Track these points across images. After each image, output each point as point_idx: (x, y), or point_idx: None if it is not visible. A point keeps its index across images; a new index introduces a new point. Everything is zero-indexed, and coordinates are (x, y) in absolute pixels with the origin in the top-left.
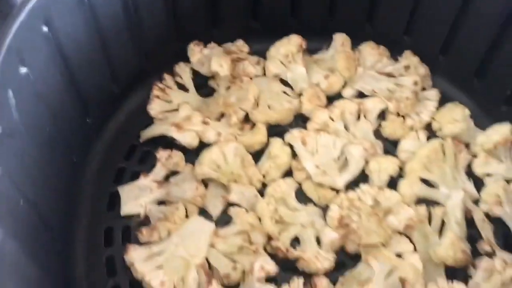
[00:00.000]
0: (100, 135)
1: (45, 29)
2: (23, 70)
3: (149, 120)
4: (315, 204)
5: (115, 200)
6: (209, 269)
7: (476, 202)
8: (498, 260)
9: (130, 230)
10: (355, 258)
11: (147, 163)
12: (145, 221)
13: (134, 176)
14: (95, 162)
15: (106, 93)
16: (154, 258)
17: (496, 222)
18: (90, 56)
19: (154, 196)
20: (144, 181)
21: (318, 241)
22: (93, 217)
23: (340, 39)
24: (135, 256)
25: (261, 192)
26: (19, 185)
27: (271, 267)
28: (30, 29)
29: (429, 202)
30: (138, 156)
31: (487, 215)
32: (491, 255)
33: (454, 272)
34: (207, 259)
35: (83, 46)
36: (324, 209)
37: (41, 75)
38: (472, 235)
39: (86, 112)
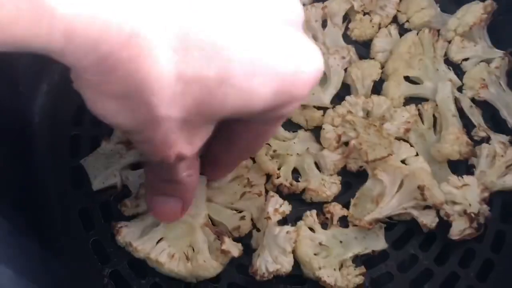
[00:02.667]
0: (37, 104)
1: None
2: None
3: None
4: (304, 129)
5: (80, 177)
6: (215, 226)
7: (459, 89)
8: (497, 144)
9: (110, 206)
10: (359, 175)
11: (104, 124)
12: (125, 191)
13: (94, 144)
14: (42, 138)
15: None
16: (151, 231)
17: (481, 105)
18: None
19: (125, 161)
20: (108, 146)
21: (318, 167)
22: (61, 202)
23: None
24: (129, 234)
25: None
26: None
27: (285, 207)
28: None
29: (415, 100)
30: (89, 119)
31: (472, 100)
32: (486, 140)
33: (456, 167)
34: (210, 217)
35: None
36: (314, 131)
37: None
38: (464, 124)
39: (16, 81)
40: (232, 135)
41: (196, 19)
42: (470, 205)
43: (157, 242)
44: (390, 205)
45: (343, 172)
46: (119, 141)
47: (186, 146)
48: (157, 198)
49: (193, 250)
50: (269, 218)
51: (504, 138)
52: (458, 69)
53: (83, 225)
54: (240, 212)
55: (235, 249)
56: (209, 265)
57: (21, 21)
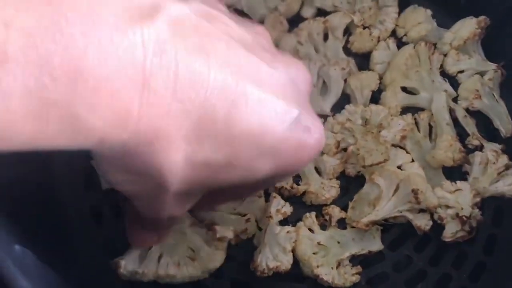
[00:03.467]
0: None
1: None
2: None
3: None
4: None
5: (91, 179)
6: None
7: (454, 100)
8: (489, 152)
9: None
10: (357, 180)
11: None
12: None
13: None
14: None
15: None
16: (148, 253)
17: (475, 115)
18: None
19: None
20: None
21: (317, 171)
22: (74, 202)
23: None
24: (129, 263)
25: None
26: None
27: (286, 208)
28: None
29: (412, 110)
30: None
31: (467, 111)
32: (480, 148)
33: (450, 173)
34: (217, 223)
35: None
36: None
37: None
38: (458, 133)
39: None
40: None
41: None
42: (462, 209)
43: (159, 259)
44: (386, 208)
45: (342, 177)
46: None
47: (179, 209)
48: (137, 232)
49: (193, 250)
50: (271, 217)
51: (496, 146)
52: (453, 81)
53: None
54: (244, 215)
55: (229, 232)
56: (213, 257)
57: (62, 137)
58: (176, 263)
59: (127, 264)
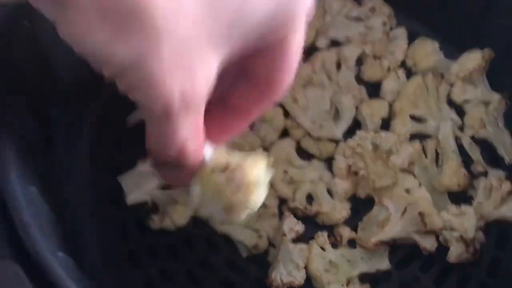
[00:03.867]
0: (83, 130)
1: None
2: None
3: (131, 104)
4: (318, 159)
5: (117, 193)
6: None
7: (460, 128)
8: (493, 178)
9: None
10: (367, 202)
11: (140, 149)
12: (154, 208)
13: (131, 165)
14: (85, 158)
15: (83, 84)
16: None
17: (480, 143)
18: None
19: (157, 181)
20: (142, 167)
21: (330, 193)
22: (99, 215)
23: None
24: None
25: None
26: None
27: (299, 227)
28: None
29: (420, 137)
30: (129, 144)
31: (472, 139)
32: (484, 174)
33: (456, 198)
34: (230, 235)
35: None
36: (327, 161)
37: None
38: (464, 160)
39: (67, 108)
40: (249, 72)
41: None
42: (466, 231)
43: None
44: (394, 229)
45: (353, 199)
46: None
47: (187, 80)
48: (162, 168)
49: None
50: (284, 235)
51: (500, 173)
52: (460, 110)
53: (121, 237)
54: (257, 231)
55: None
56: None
57: None
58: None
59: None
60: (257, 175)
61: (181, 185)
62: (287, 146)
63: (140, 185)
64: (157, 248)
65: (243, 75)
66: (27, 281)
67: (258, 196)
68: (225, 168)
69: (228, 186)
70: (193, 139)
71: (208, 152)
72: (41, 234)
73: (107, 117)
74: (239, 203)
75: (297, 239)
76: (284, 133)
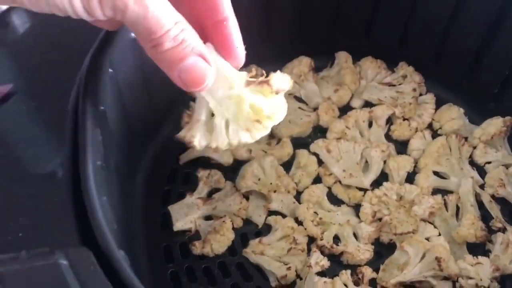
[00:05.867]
0: (142, 163)
1: (110, 70)
2: (102, 108)
3: (184, 145)
4: (346, 204)
5: (167, 220)
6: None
7: (481, 186)
8: (510, 234)
9: (186, 245)
10: (389, 247)
11: (189, 183)
12: (196, 235)
13: (180, 196)
14: (143, 188)
15: (146, 123)
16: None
17: (500, 202)
18: (138, 92)
19: (201, 212)
20: (190, 199)
21: (355, 236)
22: (150, 237)
23: (343, 57)
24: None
25: (296, 198)
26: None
27: (325, 262)
28: (100, 72)
29: (442, 192)
30: (180, 178)
31: (492, 197)
32: (503, 230)
33: (474, 250)
34: (262, 265)
35: (133, 83)
36: (355, 207)
37: (110, 112)
38: (484, 215)
39: (134, 143)
40: None
41: None
42: (481, 280)
43: (227, 129)
44: (412, 272)
45: (376, 243)
46: (198, 196)
47: None
48: (180, 68)
49: (256, 111)
50: (310, 267)
51: None
52: (481, 170)
53: (166, 258)
54: (287, 264)
55: (285, 83)
56: (277, 109)
57: None
58: (244, 128)
59: (200, 140)
60: (277, 90)
61: (196, 88)
62: (319, 191)
63: (186, 214)
64: (196, 271)
65: None
66: (98, 265)
67: (278, 111)
68: (248, 83)
69: (250, 98)
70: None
71: (233, 70)
72: (109, 233)
73: (163, 154)
74: (275, 109)
75: (322, 274)
76: (317, 180)
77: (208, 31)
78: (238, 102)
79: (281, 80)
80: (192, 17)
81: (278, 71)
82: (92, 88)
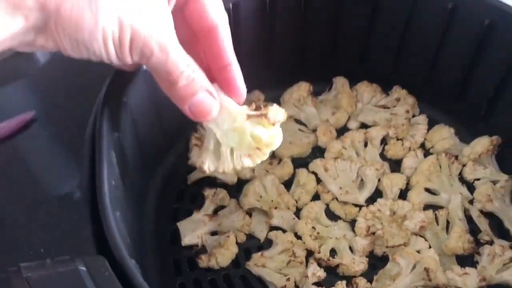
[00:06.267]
0: (153, 183)
1: (124, 99)
2: (116, 134)
3: (192, 166)
4: (343, 220)
5: (176, 236)
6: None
7: (470, 202)
8: (497, 246)
9: (193, 259)
10: (383, 259)
11: (196, 201)
12: (203, 249)
13: (188, 214)
14: (153, 207)
15: (157, 147)
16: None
17: (489, 216)
18: (150, 119)
19: (207, 228)
20: (197, 216)
21: (351, 249)
22: (160, 251)
23: (340, 82)
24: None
25: (296, 215)
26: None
27: (321, 273)
28: (115, 101)
29: (433, 207)
30: (188, 197)
31: (481, 212)
32: (490, 243)
33: (464, 262)
34: (263, 277)
35: (146, 111)
36: (351, 223)
37: (123, 137)
38: (473, 229)
39: (145, 165)
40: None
41: None
42: None
43: (232, 156)
44: (403, 282)
45: (371, 256)
46: (205, 213)
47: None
48: (190, 102)
49: (256, 140)
50: (307, 277)
51: (504, 243)
52: (471, 187)
53: (174, 271)
54: (286, 275)
55: (280, 115)
56: (273, 138)
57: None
58: (246, 155)
59: (210, 166)
60: (274, 121)
61: (203, 118)
62: (317, 208)
63: (193, 230)
64: (203, 282)
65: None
66: (112, 272)
67: (275, 139)
68: (248, 116)
69: (251, 129)
70: (188, 70)
71: (236, 106)
72: (122, 243)
73: (172, 175)
74: (272, 139)
75: (319, 284)
76: (316, 197)
77: (214, 73)
78: (241, 133)
79: (277, 112)
80: (200, 60)
81: (275, 104)
82: (108, 116)
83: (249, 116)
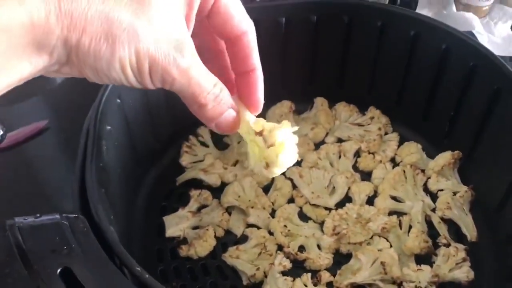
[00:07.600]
0: (145, 182)
1: (118, 101)
2: (108, 127)
3: (181, 169)
4: (314, 221)
5: (162, 229)
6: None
7: (433, 210)
8: (452, 248)
9: (175, 249)
10: (347, 257)
11: (183, 200)
12: (184, 241)
13: (174, 211)
14: (143, 202)
15: (150, 150)
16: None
17: (449, 223)
18: (142, 121)
19: (190, 223)
20: (182, 212)
21: (319, 246)
22: (146, 241)
23: (320, 101)
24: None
25: (272, 215)
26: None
27: (287, 263)
28: (110, 101)
29: (398, 213)
30: (176, 196)
31: (442, 219)
32: (447, 246)
33: (422, 261)
34: (236, 267)
35: (139, 114)
36: (321, 224)
37: (116, 132)
38: (433, 234)
39: (138, 163)
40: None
41: None
42: (420, 282)
43: None
44: (363, 276)
45: (337, 254)
46: (189, 210)
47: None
48: (217, 120)
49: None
50: (273, 264)
51: (460, 246)
52: (435, 197)
53: (157, 258)
54: (256, 266)
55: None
56: (283, 154)
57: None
58: (264, 165)
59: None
60: (286, 137)
61: (228, 133)
62: (291, 209)
63: (177, 224)
64: (181, 270)
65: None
66: (89, 228)
67: (290, 154)
68: (261, 132)
69: (265, 144)
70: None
71: (251, 119)
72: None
73: (163, 175)
74: (273, 159)
75: (285, 274)
76: (291, 200)
77: (236, 78)
78: (254, 146)
79: (275, 135)
80: (217, 69)
81: (283, 126)
82: (102, 112)
83: (257, 133)
